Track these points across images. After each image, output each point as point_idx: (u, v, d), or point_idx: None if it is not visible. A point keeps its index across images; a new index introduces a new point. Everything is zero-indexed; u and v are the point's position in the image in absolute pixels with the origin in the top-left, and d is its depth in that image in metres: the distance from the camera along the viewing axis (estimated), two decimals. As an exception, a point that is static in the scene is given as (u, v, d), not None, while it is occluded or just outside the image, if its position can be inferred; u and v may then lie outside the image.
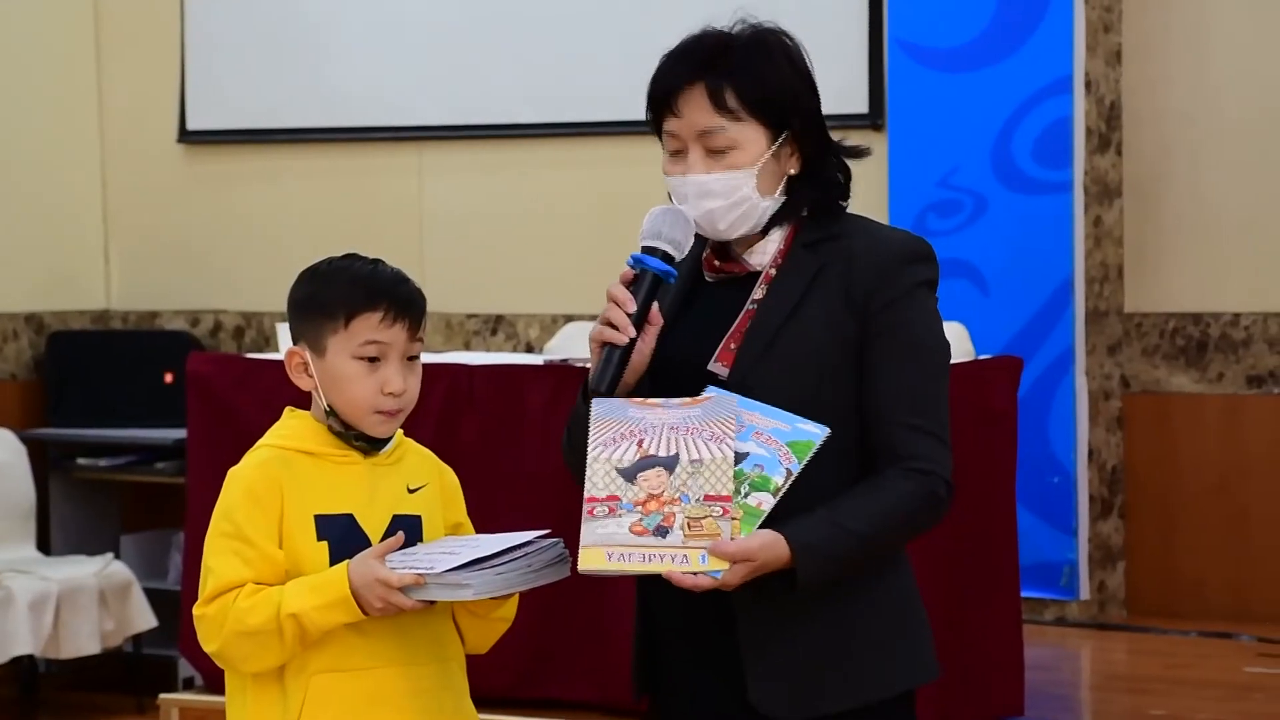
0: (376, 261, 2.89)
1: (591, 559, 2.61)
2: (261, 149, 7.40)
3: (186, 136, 7.48)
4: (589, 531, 2.62)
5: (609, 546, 2.61)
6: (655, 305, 2.76)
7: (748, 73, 2.78)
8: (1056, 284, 6.25)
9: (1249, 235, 6.28)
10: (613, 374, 2.73)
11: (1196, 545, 6.32)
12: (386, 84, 7.16)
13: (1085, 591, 6.25)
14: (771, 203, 2.80)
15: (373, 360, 2.82)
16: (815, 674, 2.74)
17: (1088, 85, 6.24)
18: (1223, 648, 5.88)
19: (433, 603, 2.75)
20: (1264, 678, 5.46)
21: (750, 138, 2.78)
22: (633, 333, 2.73)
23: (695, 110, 2.78)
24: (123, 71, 7.58)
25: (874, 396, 2.75)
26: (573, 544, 2.77)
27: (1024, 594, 5.19)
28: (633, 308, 2.73)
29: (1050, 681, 5.48)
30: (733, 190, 2.77)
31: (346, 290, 2.83)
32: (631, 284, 2.75)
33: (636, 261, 2.76)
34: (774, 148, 2.79)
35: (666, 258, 2.76)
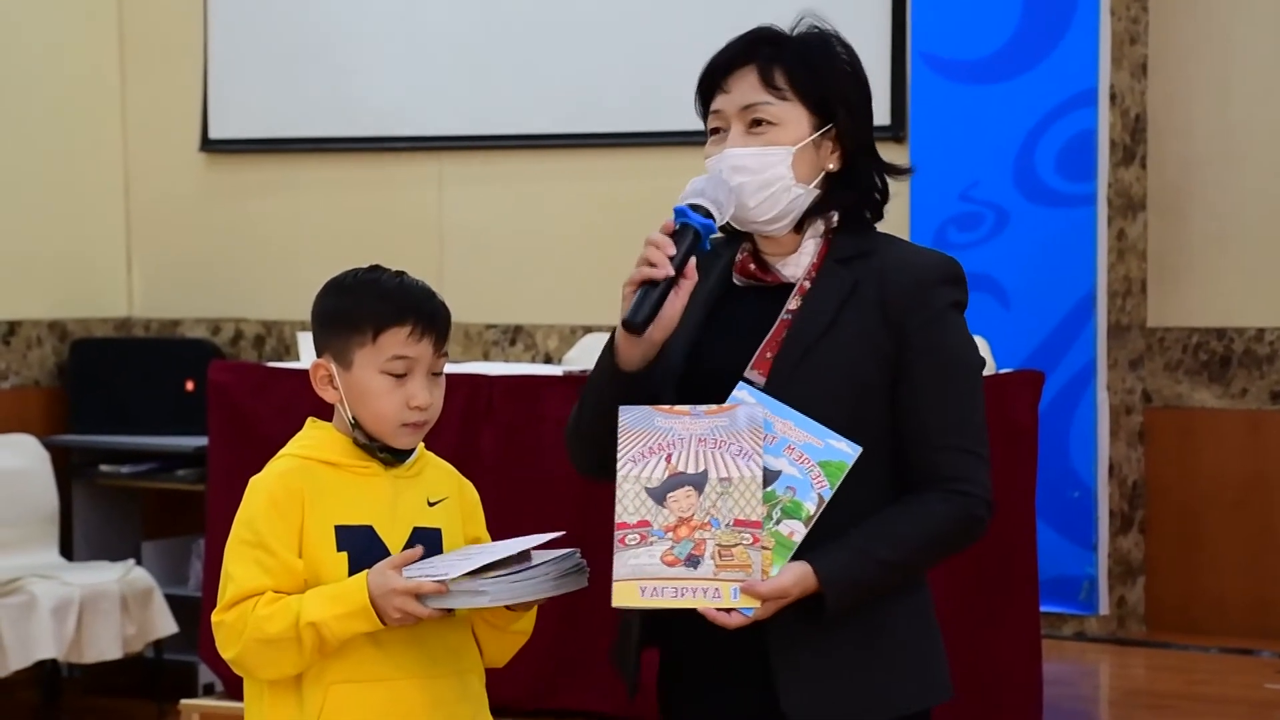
0: (401, 274, 2.88)
1: (625, 595, 2.58)
2: (283, 159, 7.41)
3: (209, 146, 7.49)
4: (621, 563, 2.59)
5: (642, 580, 2.58)
6: (692, 261, 2.72)
7: (801, 58, 2.80)
8: (1078, 298, 6.23)
9: (1274, 250, 6.25)
10: (649, 308, 2.67)
11: (1217, 561, 6.29)
12: (408, 95, 7.16)
13: (1105, 607, 6.22)
14: (804, 192, 2.79)
15: (399, 375, 2.82)
16: (844, 681, 2.73)
17: (1112, 97, 6.22)
18: (1243, 664, 5.85)
19: (451, 611, 2.75)
20: (1285, 695, 5.44)
21: (793, 118, 2.79)
22: (671, 270, 2.69)
23: (743, 87, 2.80)
24: (145, 81, 7.59)
25: (915, 418, 2.75)
26: (590, 554, 2.76)
27: (1043, 608, 5.16)
28: (673, 250, 2.70)
29: (1068, 697, 5.46)
30: (766, 166, 2.77)
31: (375, 304, 2.82)
32: (671, 236, 2.73)
33: (679, 214, 2.73)
34: (815, 135, 2.79)
35: (708, 215, 2.74)
